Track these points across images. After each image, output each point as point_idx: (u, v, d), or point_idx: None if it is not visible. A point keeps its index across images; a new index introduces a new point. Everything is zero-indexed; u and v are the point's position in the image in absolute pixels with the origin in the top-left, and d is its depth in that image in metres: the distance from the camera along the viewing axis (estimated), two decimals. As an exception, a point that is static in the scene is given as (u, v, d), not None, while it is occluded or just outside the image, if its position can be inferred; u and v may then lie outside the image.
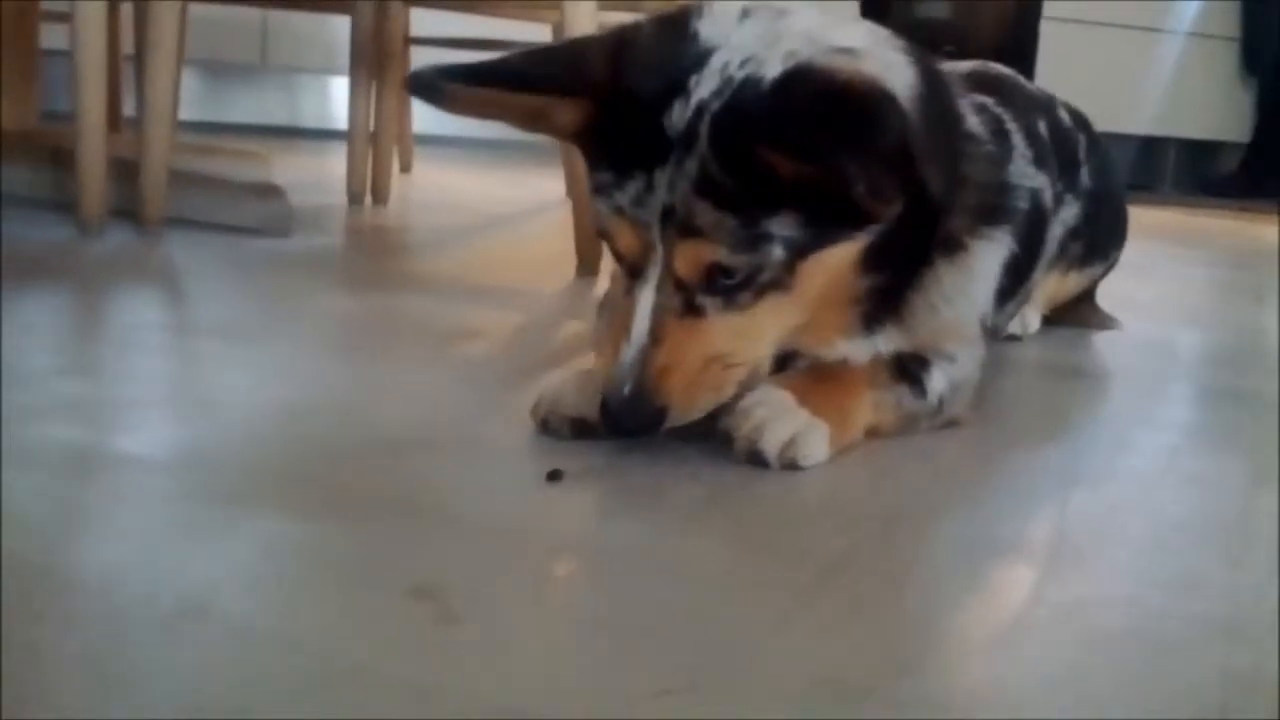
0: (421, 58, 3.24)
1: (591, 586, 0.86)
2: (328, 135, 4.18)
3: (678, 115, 1.00)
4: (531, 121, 1.10)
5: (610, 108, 1.04)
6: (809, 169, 0.98)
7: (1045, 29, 4.88)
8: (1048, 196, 1.43)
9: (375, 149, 2.74)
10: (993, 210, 1.22)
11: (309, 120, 4.66)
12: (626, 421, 1.04)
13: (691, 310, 1.04)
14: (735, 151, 0.99)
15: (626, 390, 1.02)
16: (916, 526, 1.01)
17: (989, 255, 1.21)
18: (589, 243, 2.05)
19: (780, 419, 1.07)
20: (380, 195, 2.74)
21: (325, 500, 0.94)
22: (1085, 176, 1.65)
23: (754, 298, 1.04)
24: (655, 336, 1.03)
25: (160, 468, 1.00)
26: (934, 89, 1.11)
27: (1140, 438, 1.34)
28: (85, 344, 1.44)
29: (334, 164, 2.88)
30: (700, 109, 1.00)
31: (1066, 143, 1.62)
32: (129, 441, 1.06)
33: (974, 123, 1.22)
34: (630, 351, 1.03)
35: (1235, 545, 1.00)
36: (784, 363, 1.13)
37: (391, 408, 1.23)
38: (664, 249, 1.03)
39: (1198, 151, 5.43)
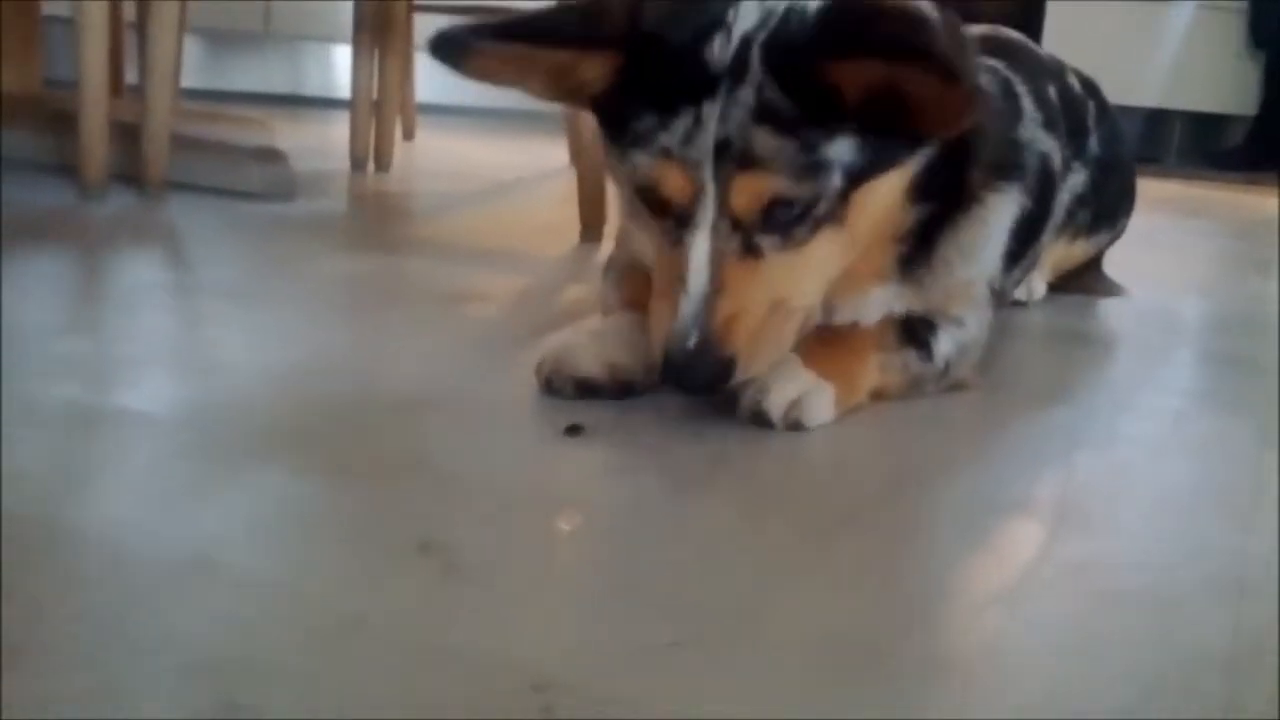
0: (426, 24, 3.23)
1: (596, 543, 0.86)
2: (331, 104, 4.16)
3: (719, 49, 0.99)
4: (556, 79, 1.07)
5: (642, 54, 1.02)
6: (883, 70, 0.96)
7: (1054, 1, 4.84)
8: (1056, 161, 1.42)
9: (378, 115, 2.72)
10: (1005, 165, 1.21)
11: (312, 89, 4.63)
12: (694, 377, 1.01)
13: (750, 252, 1.02)
14: (797, 73, 0.98)
15: (692, 343, 0.99)
16: (923, 486, 1.01)
17: (1002, 209, 1.21)
18: (593, 208, 2.04)
19: (786, 380, 1.06)
20: (383, 162, 2.73)
21: (329, 457, 0.94)
22: (1094, 144, 1.64)
23: (810, 233, 1.03)
24: (716, 283, 1.00)
25: (164, 425, 0.99)
26: (955, 33, 1.09)
27: (1145, 402, 1.34)
28: (88, 304, 1.44)
29: (337, 131, 2.87)
30: (746, 40, 0.99)
31: (1076, 109, 1.61)
32: (132, 399, 1.05)
33: (985, 81, 1.22)
34: (691, 302, 1.00)
35: (1242, 507, 1.00)
36: None
37: (396, 367, 1.22)
38: (718, 188, 1.00)
39: (1203, 124, 5.40)
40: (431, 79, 4.12)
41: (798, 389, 1.06)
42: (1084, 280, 1.84)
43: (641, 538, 0.84)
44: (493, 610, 0.71)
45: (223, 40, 4.48)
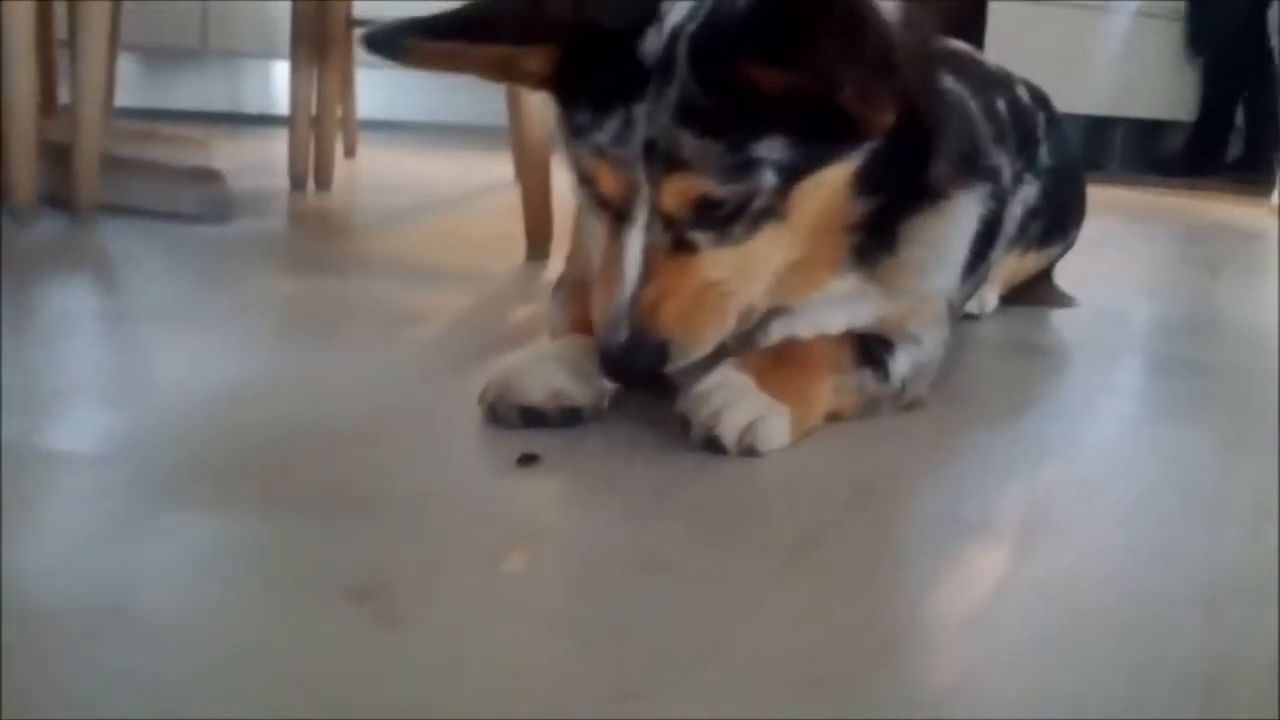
0: (365, 39, 3.17)
1: (545, 581, 0.82)
2: (271, 121, 4.08)
3: (652, 43, 0.97)
4: (498, 72, 1.06)
5: (579, 47, 1.00)
6: (795, 78, 0.93)
7: (994, 8, 4.86)
8: (1006, 176, 1.40)
9: (318, 133, 2.67)
10: (973, 164, 1.20)
11: (251, 106, 4.56)
12: (629, 366, 1.00)
13: (683, 247, 1.00)
14: (716, 72, 0.95)
15: (623, 334, 0.98)
16: (884, 506, 0.98)
17: (971, 209, 1.19)
18: (539, 225, 2.01)
19: (739, 403, 1.03)
20: (324, 180, 2.67)
21: (260, 493, 0.90)
22: (1044, 156, 1.63)
23: (748, 230, 1.00)
24: (647, 275, 0.99)
25: (87, 461, 0.95)
26: (912, 22, 1.07)
27: (1104, 410, 1.33)
28: (12, 333, 1.38)
29: (277, 150, 2.81)
30: (675, 34, 0.96)
31: (1025, 121, 1.59)
32: (54, 434, 1.00)
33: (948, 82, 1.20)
34: (622, 294, 0.99)
35: (1210, 517, 0.98)
36: (748, 339, 1.09)
37: (334, 394, 1.18)
38: (649, 185, 0.98)
39: (1145, 131, 5.45)
40: (374, 95, 4.07)
41: (752, 412, 1.02)
42: (1035, 292, 1.82)
43: (594, 577, 0.81)
44: (432, 659, 0.67)
45: (159, 57, 4.40)
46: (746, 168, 0.97)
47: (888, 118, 0.99)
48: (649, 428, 1.06)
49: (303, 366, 1.29)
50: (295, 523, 0.85)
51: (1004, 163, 1.36)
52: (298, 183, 2.63)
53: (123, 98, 3.34)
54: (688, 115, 0.96)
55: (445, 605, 0.73)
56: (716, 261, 1.01)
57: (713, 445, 1.02)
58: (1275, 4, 4.79)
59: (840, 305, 1.13)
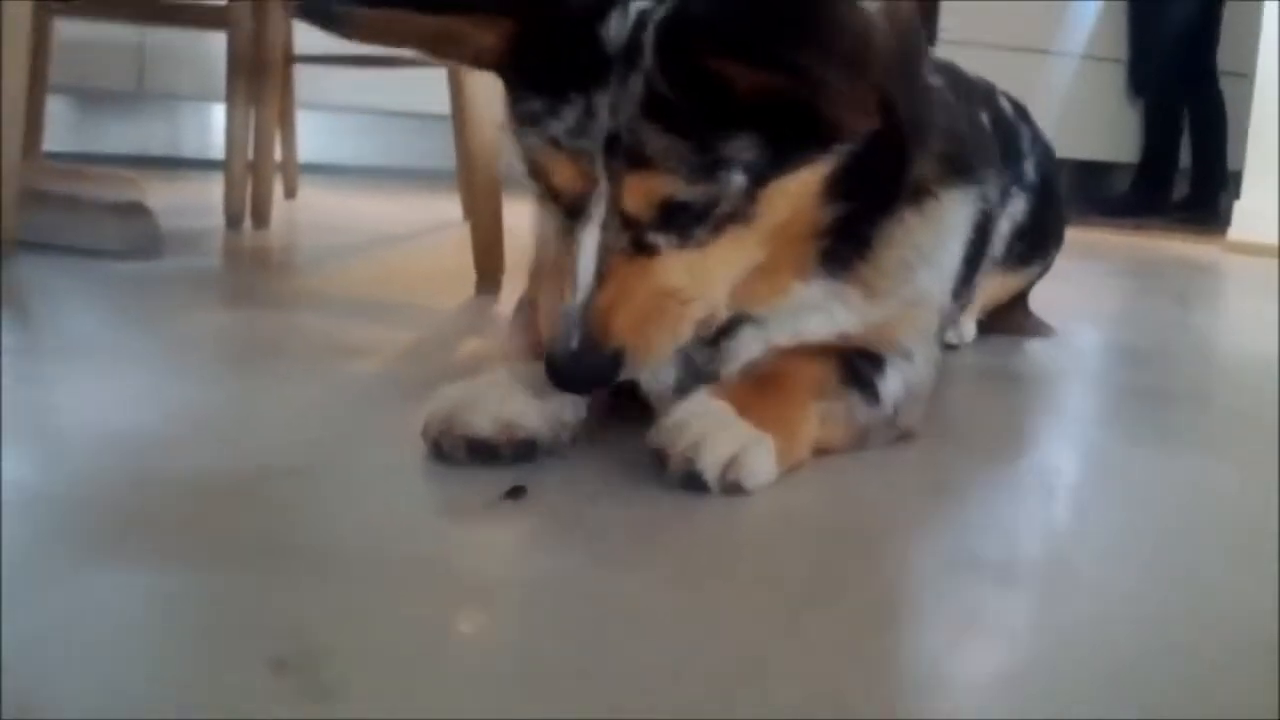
0: (306, 77, 3.07)
1: (503, 643, 0.70)
2: (209, 165, 3.95)
3: (616, 27, 0.88)
4: (442, 45, 0.97)
5: (536, 24, 0.91)
6: (769, 78, 0.85)
7: (940, 51, 4.85)
8: (994, 188, 1.31)
9: (256, 169, 2.55)
10: (961, 163, 1.11)
11: (190, 150, 4.43)
12: (578, 375, 0.92)
13: (643, 250, 0.92)
14: (685, 66, 0.86)
15: (574, 342, 0.90)
16: (886, 549, 0.88)
17: (960, 208, 1.11)
18: (489, 259, 1.91)
19: (720, 433, 0.92)
20: (261, 218, 2.55)
21: (177, 544, 0.78)
22: (1030, 169, 1.55)
23: (712, 233, 0.92)
24: (601, 278, 0.91)
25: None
26: (897, 16, 0.98)
27: (1107, 447, 1.24)
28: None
29: (214, 192, 2.68)
30: (642, 19, 0.88)
31: (1010, 134, 1.52)
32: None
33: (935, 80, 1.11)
34: (575, 298, 0.91)
35: (1240, 556, 0.88)
36: (718, 348, 1.01)
37: (264, 432, 1.06)
38: (609, 183, 0.90)
39: (1089, 172, 5.46)
40: (314, 138, 3.96)
41: (735, 444, 0.92)
42: (1012, 318, 1.74)
43: (559, 631, 0.69)
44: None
45: (94, 100, 4.27)
46: (715, 168, 0.89)
47: (868, 121, 0.91)
48: (619, 463, 0.96)
49: (232, 405, 1.17)
50: (213, 577, 0.72)
51: (991, 174, 1.28)
52: (234, 221, 2.51)
53: (56, 141, 3.21)
54: (655, 109, 0.87)
55: (383, 678, 0.61)
56: (674, 265, 0.93)
57: (692, 482, 0.91)
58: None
59: (817, 310, 1.04)
